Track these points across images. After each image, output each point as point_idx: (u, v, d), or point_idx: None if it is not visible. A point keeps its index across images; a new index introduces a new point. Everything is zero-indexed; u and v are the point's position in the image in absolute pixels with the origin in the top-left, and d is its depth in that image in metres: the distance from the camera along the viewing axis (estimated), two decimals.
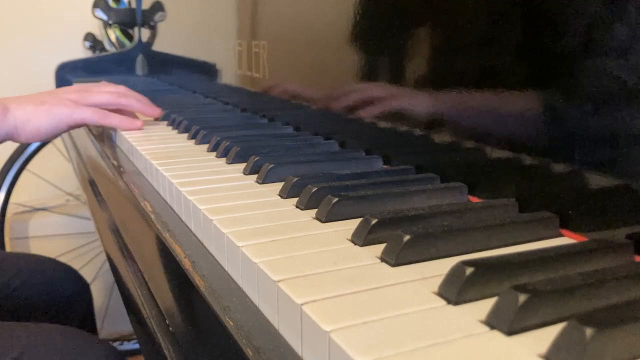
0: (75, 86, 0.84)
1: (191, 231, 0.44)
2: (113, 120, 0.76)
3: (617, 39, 0.33)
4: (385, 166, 0.54)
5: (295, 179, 0.45)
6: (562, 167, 0.37)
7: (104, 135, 0.86)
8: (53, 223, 1.74)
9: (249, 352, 0.28)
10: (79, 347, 0.70)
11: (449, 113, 0.46)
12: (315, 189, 0.42)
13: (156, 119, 0.85)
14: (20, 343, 0.67)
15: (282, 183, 0.46)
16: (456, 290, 0.27)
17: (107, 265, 0.75)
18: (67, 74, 1.45)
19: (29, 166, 1.68)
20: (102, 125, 0.76)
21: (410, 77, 0.50)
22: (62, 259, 1.12)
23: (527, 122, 0.39)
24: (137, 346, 1.66)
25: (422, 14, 0.48)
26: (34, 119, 0.71)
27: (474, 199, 0.43)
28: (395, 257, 0.32)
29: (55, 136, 0.76)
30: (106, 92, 0.79)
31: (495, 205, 0.39)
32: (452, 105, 0.46)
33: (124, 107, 0.80)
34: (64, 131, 0.77)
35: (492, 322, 0.25)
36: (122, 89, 0.82)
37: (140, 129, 0.77)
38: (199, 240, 0.42)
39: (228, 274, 0.37)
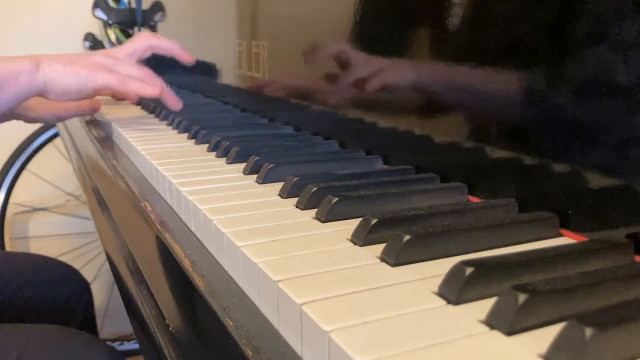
0: (104, 51, 0.86)
1: (191, 231, 0.44)
2: (133, 85, 0.76)
3: (621, 38, 0.33)
4: (385, 166, 0.54)
5: (295, 178, 0.45)
6: (562, 167, 0.37)
7: (104, 134, 0.86)
8: (53, 223, 1.74)
9: (248, 352, 0.28)
10: (79, 348, 0.70)
11: (450, 114, 0.46)
12: (315, 188, 0.42)
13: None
14: (20, 343, 0.67)
15: (282, 183, 0.46)
16: (456, 290, 0.27)
17: (107, 265, 0.75)
18: None
19: (29, 166, 1.68)
20: (122, 91, 0.77)
21: (409, 76, 0.50)
22: (62, 259, 1.12)
23: (527, 121, 0.39)
24: (137, 346, 1.66)
25: (422, 15, 0.48)
26: (61, 78, 0.73)
27: (474, 199, 0.43)
28: (395, 257, 0.32)
29: (82, 98, 0.78)
30: (136, 68, 0.79)
31: (495, 205, 0.39)
32: (452, 106, 0.46)
33: (134, 92, 0.78)
34: (91, 95, 0.79)
35: (492, 322, 0.25)
36: (148, 71, 0.81)
37: (160, 95, 0.78)
38: (199, 240, 0.42)
39: (228, 274, 0.37)
